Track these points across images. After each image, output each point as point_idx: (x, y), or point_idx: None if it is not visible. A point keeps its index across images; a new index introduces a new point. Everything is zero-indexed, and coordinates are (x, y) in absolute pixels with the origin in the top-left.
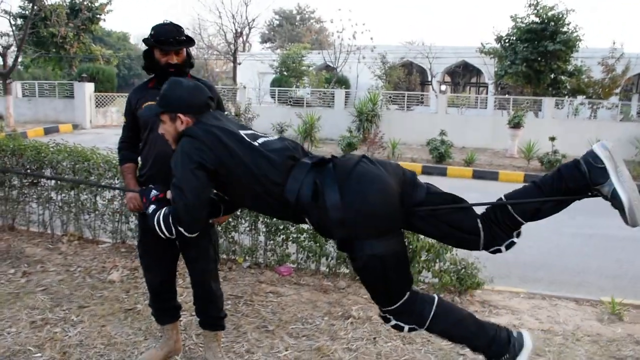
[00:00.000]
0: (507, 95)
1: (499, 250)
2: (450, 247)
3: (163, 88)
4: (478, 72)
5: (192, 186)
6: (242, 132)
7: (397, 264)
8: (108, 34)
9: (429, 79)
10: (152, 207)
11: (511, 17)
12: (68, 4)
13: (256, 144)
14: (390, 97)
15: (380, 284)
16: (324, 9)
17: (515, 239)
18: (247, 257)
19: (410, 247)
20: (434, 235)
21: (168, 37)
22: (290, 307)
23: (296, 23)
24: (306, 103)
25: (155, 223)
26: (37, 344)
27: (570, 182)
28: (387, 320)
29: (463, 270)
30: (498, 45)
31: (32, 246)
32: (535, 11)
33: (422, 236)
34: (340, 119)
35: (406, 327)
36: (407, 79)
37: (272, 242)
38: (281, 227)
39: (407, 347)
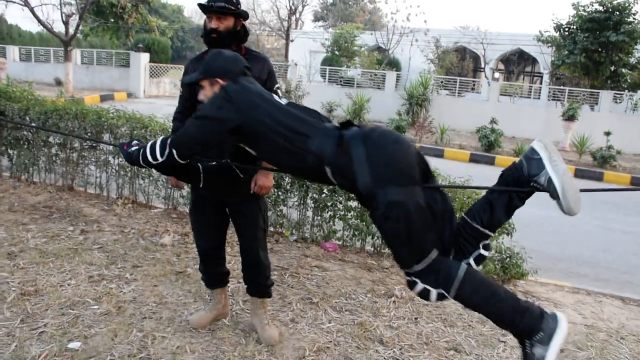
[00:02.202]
0: (562, 87)
1: (469, 264)
2: (497, 234)
3: (206, 58)
4: (533, 61)
5: (202, 124)
6: (270, 94)
7: (421, 216)
8: (163, 6)
9: (482, 65)
10: (134, 148)
11: (573, 5)
12: None
13: (284, 102)
14: (441, 82)
15: (403, 237)
16: None
17: (482, 252)
18: (294, 231)
19: None
20: None
21: (209, 1)
22: (335, 282)
23: (349, 2)
24: (356, 83)
25: (149, 146)
26: (95, 297)
27: (511, 177)
28: (412, 285)
29: (508, 259)
30: (557, 34)
31: (89, 206)
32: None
33: None
34: (390, 102)
35: (434, 292)
36: (460, 65)
37: (319, 217)
38: (329, 203)
39: (447, 330)
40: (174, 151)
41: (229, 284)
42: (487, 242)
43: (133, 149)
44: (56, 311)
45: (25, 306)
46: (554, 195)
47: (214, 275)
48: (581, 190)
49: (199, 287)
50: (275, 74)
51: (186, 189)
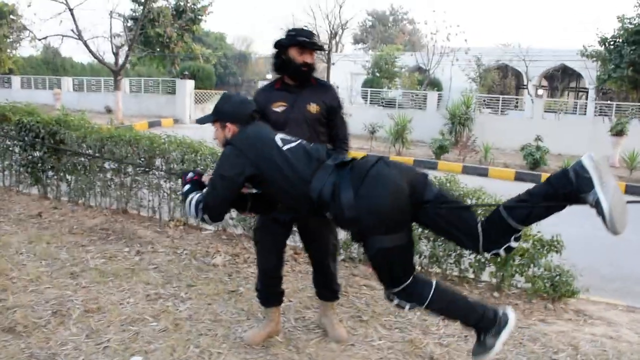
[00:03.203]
0: (609, 101)
1: (498, 254)
2: (545, 252)
3: (217, 101)
4: (578, 77)
5: (224, 185)
6: (277, 138)
7: (402, 256)
8: (206, 34)
9: (525, 82)
10: (186, 187)
11: (618, 17)
12: (173, 5)
13: (285, 148)
14: (484, 100)
15: (386, 270)
16: (417, 10)
17: (512, 244)
18: (342, 251)
19: None
20: (438, 231)
21: (308, 37)
22: (383, 301)
23: (389, 24)
24: (398, 104)
25: (187, 203)
26: (153, 314)
27: (559, 189)
28: (390, 300)
29: (558, 277)
30: (602, 48)
31: (142, 228)
32: None
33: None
34: (432, 121)
35: (407, 306)
36: (502, 82)
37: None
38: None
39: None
40: (206, 217)
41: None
42: (518, 235)
43: (186, 188)
44: (118, 327)
45: (89, 322)
46: (601, 216)
47: (272, 293)
48: (628, 202)
49: (251, 305)
50: (341, 103)
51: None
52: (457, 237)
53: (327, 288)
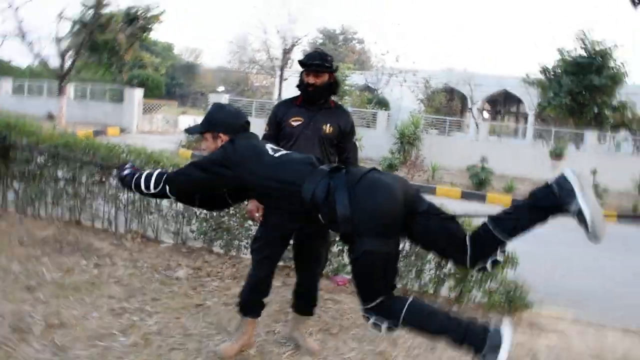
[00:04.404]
0: (548, 127)
1: (485, 269)
2: (502, 267)
3: (208, 111)
4: (518, 102)
5: (195, 173)
6: (267, 146)
7: (387, 264)
8: (154, 44)
9: (469, 105)
10: (127, 171)
11: (558, 49)
12: (124, 12)
13: (277, 155)
14: (431, 121)
15: (366, 277)
16: (367, 30)
17: (498, 258)
18: None
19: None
20: (426, 244)
21: (308, 60)
22: (349, 314)
23: (339, 43)
24: None
25: (142, 176)
26: (120, 329)
27: (543, 201)
28: (367, 319)
29: (512, 291)
30: (543, 77)
31: (98, 240)
32: (583, 45)
33: None
34: (381, 140)
35: (384, 326)
36: (449, 105)
37: (329, 251)
38: (338, 238)
39: (464, 358)
40: (167, 187)
41: None
42: (504, 248)
43: (126, 172)
44: (85, 343)
45: (53, 338)
46: (583, 226)
47: (255, 304)
48: (607, 216)
49: (220, 319)
50: (355, 127)
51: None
52: (445, 250)
53: (307, 302)
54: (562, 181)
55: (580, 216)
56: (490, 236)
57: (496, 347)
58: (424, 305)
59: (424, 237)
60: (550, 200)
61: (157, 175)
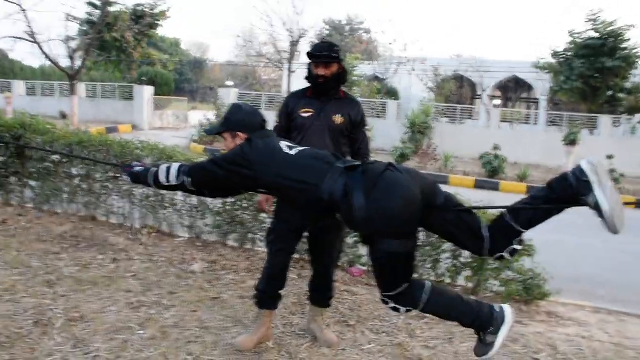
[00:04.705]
0: (561, 112)
1: (503, 257)
2: (519, 256)
3: (227, 111)
4: (529, 88)
5: (214, 169)
6: (282, 144)
7: (407, 261)
8: (162, 40)
9: (479, 92)
10: (139, 168)
11: (569, 32)
12: (131, 10)
13: (293, 152)
14: (442, 109)
15: (389, 274)
16: (374, 20)
17: (516, 246)
18: None
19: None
20: (444, 235)
21: (316, 51)
22: (366, 306)
23: (345, 34)
24: None
25: (162, 169)
26: (138, 322)
27: (560, 192)
28: (386, 303)
29: (530, 280)
30: (554, 61)
31: (114, 236)
32: (594, 26)
33: None
34: (392, 130)
35: (403, 309)
36: (459, 92)
37: (343, 243)
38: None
39: None
40: (187, 179)
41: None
42: (521, 238)
43: (138, 168)
44: (104, 336)
45: (73, 332)
46: (601, 217)
47: (272, 297)
48: (626, 204)
49: (236, 312)
50: (365, 117)
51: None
52: (462, 241)
53: (323, 294)
54: (579, 172)
55: (597, 208)
56: (508, 227)
57: (499, 327)
58: (442, 291)
59: (442, 229)
60: (567, 192)
61: (177, 169)
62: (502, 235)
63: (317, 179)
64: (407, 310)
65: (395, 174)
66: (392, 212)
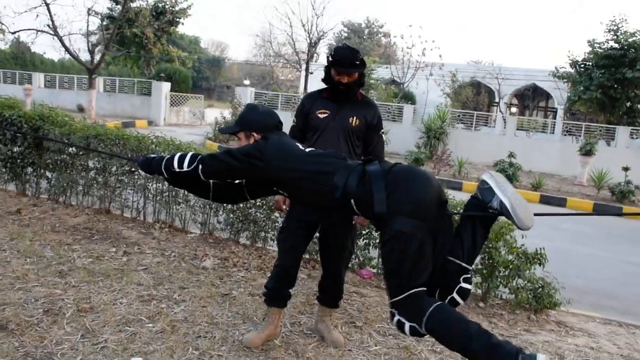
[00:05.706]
0: (578, 122)
1: (454, 299)
2: (529, 264)
3: (242, 111)
4: (547, 96)
5: (228, 160)
6: (297, 144)
7: (418, 251)
8: (181, 37)
9: (497, 100)
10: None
11: (589, 42)
12: (152, 6)
13: (307, 150)
14: (458, 115)
15: (397, 262)
16: (392, 23)
17: (463, 285)
18: None
19: (491, 261)
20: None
21: (343, 60)
22: (375, 308)
23: (364, 37)
24: None
25: (176, 156)
26: (148, 315)
27: (472, 209)
28: (392, 316)
29: (540, 289)
30: (573, 70)
31: (127, 229)
32: (615, 37)
33: (502, 252)
34: (407, 134)
35: (407, 325)
36: (475, 99)
37: (354, 245)
38: (364, 231)
39: None
40: (200, 166)
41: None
42: (467, 275)
43: (153, 155)
44: (113, 328)
45: (83, 322)
46: (507, 214)
47: (281, 295)
48: (536, 215)
49: (246, 309)
50: (382, 120)
51: (221, 214)
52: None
53: (332, 294)
54: (481, 183)
55: (502, 207)
56: (451, 266)
57: None
58: (453, 310)
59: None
60: (477, 206)
61: (191, 155)
62: (450, 274)
63: (332, 169)
64: (412, 328)
65: (413, 166)
66: (410, 192)
